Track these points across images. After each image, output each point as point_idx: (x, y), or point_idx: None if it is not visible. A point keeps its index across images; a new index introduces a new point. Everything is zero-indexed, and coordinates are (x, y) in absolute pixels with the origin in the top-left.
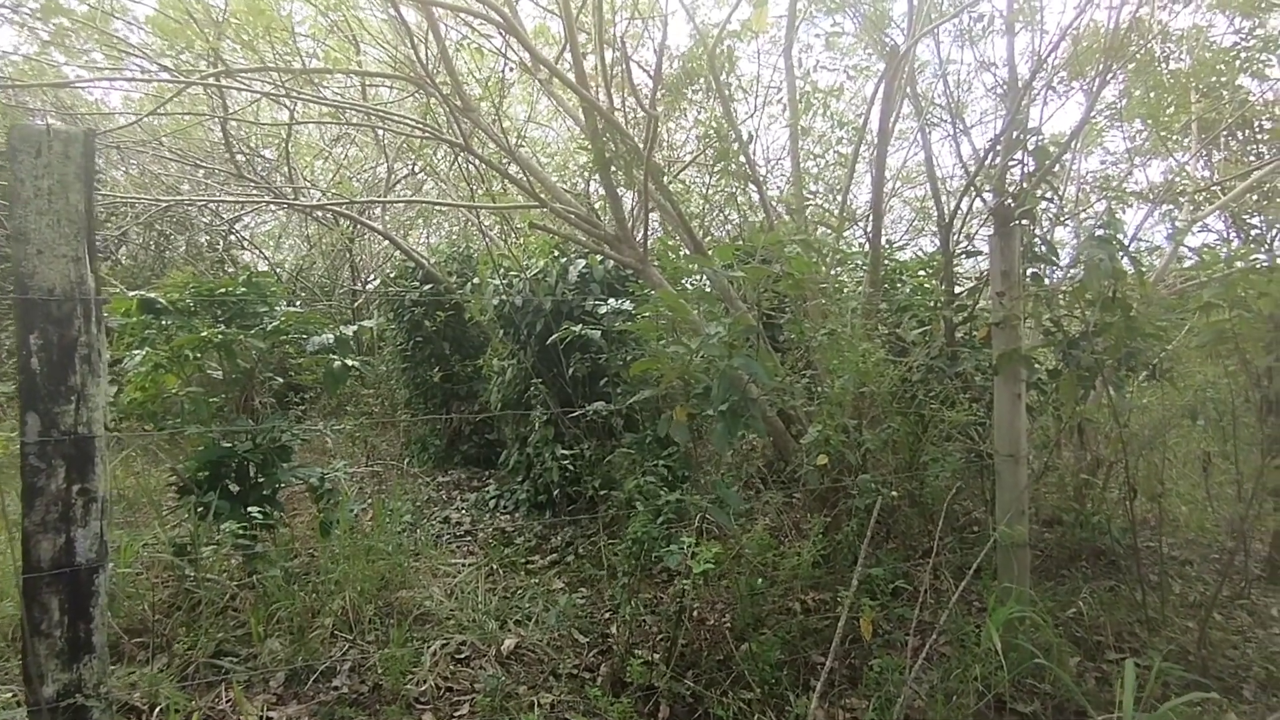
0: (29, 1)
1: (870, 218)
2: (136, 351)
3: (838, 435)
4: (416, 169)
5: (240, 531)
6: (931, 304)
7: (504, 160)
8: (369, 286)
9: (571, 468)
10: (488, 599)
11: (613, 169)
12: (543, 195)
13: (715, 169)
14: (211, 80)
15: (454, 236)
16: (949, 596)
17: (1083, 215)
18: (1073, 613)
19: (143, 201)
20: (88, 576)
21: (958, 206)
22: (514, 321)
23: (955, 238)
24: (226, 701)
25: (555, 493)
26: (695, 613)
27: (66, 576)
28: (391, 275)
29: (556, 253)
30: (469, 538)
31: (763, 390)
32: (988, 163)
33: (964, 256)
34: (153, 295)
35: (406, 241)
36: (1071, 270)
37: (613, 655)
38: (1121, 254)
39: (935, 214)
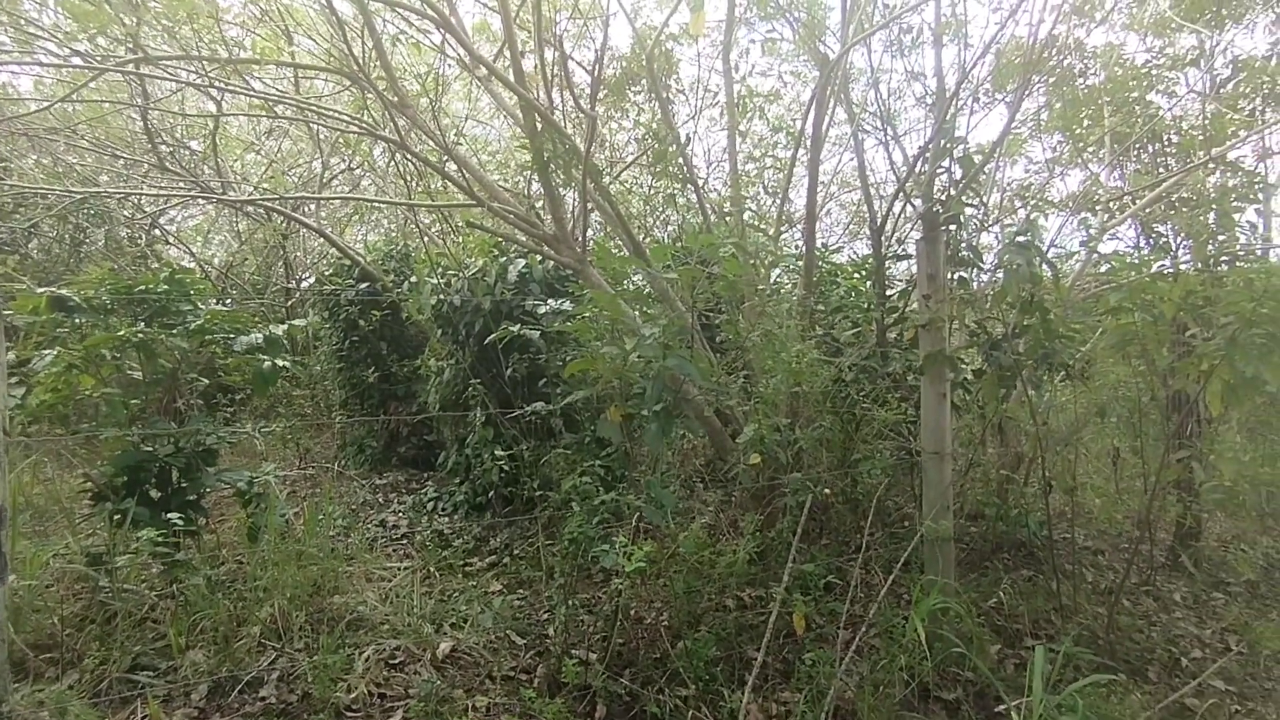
0: None
1: (805, 220)
2: (47, 351)
3: (772, 434)
4: (353, 165)
5: (160, 539)
6: (864, 306)
7: (442, 158)
8: (304, 284)
9: (510, 468)
10: (424, 602)
11: (552, 169)
12: (481, 194)
13: (654, 170)
14: (130, 68)
15: (391, 234)
16: (879, 590)
17: (1006, 222)
18: (994, 603)
19: (55, 193)
20: None
21: (889, 211)
22: (452, 321)
23: (887, 242)
24: (143, 717)
25: (494, 494)
26: (632, 611)
27: None
28: (327, 273)
29: (496, 252)
30: (406, 541)
31: (700, 390)
32: (917, 170)
33: (895, 260)
34: (64, 292)
35: (342, 239)
36: (994, 274)
37: (549, 656)
38: (1040, 260)
39: (868, 218)
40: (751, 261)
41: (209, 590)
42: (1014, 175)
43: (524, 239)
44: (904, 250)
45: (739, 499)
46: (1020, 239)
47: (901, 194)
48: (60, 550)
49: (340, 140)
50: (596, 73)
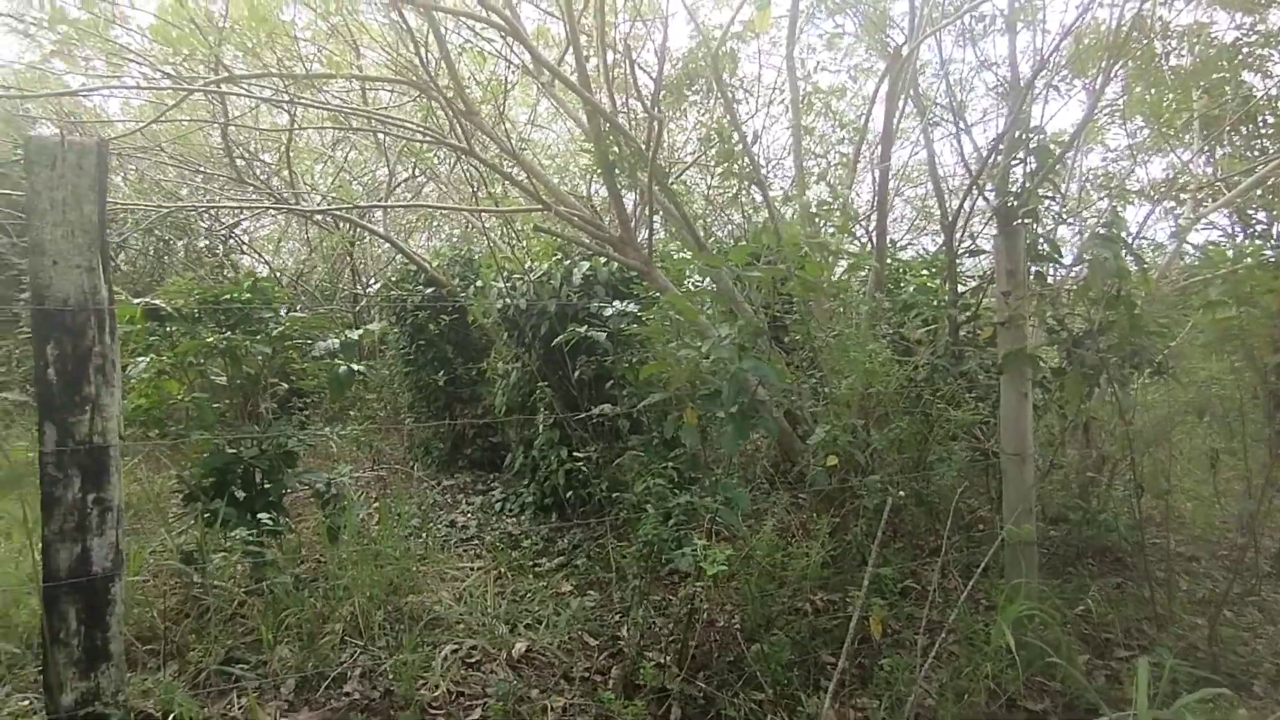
0: (33, 11)
1: (874, 217)
2: (140, 358)
3: (845, 435)
4: (417, 172)
5: (250, 539)
6: (935, 303)
7: (507, 163)
8: (370, 290)
9: (578, 470)
10: (496, 603)
11: (616, 171)
12: (546, 198)
13: (718, 170)
14: (213, 87)
15: (455, 239)
16: (957, 595)
17: (1085, 213)
18: (1081, 610)
19: (143, 207)
20: (104, 586)
21: (961, 206)
22: (518, 324)
23: (959, 237)
24: (239, 709)
25: (562, 495)
26: (706, 614)
27: (83, 586)
28: (393, 279)
29: (560, 255)
30: (476, 541)
31: (771, 392)
32: (990, 162)
33: (967, 256)
34: (157, 302)
35: (408, 245)
36: (1075, 268)
37: (624, 658)
38: (1125, 252)
39: (938, 213)
40: (826, 261)
41: (294, 588)
42: (1091, 164)
43: (589, 241)
44: (975, 245)
45: (810, 501)
46: (1104, 230)
47: (974, 187)
48: (157, 548)
49: (405, 148)
50: (659, 73)
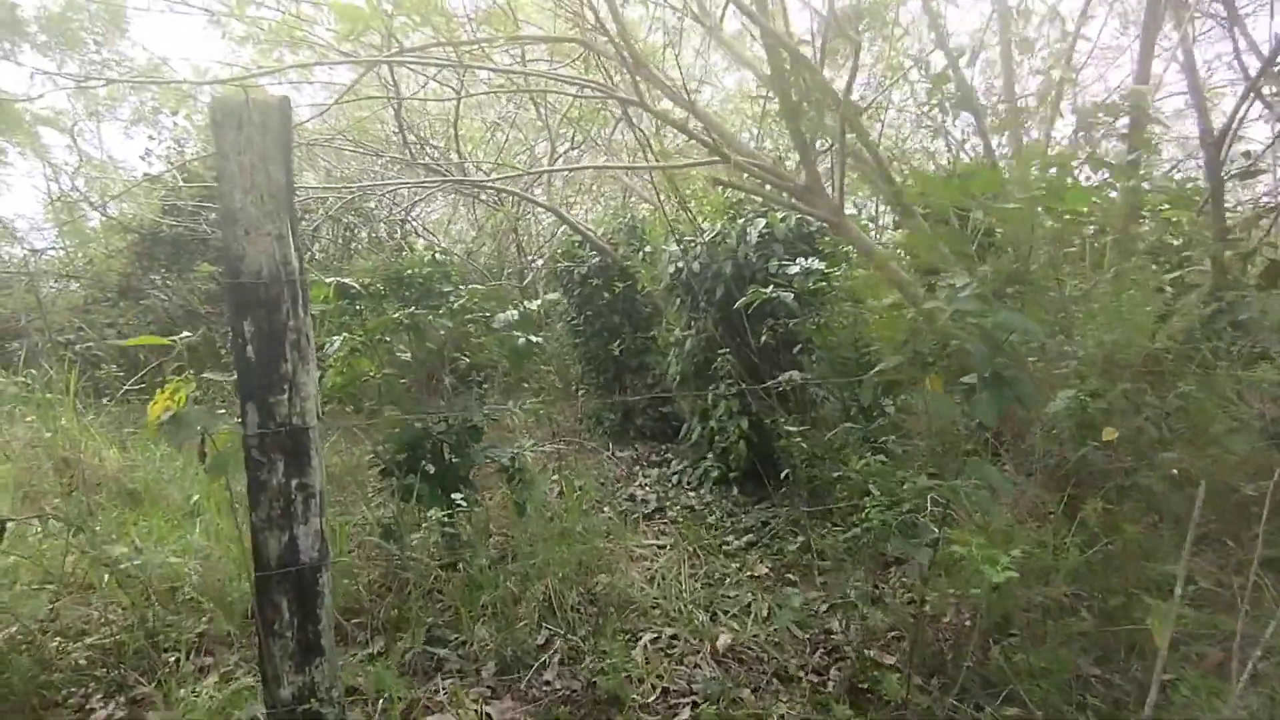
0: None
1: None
2: (335, 338)
3: (1096, 402)
4: (576, 142)
5: (446, 519)
6: (1187, 242)
7: (686, 119)
8: (536, 264)
9: (763, 443)
10: (691, 586)
11: (805, 109)
12: (724, 150)
13: (925, 103)
14: (384, 59)
15: (615, 207)
16: (1273, 605)
17: None
18: None
19: (330, 194)
20: (312, 576)
21: (1235, 116)
22: (691, 289)
23: (1228, 154)
24: (444, 692)
25: (743, 468)
26: (926, 608)
27: (293, 576)
28: (559, 251)
29: (732, 214)
30: (658, 516)
31: (1029, 352)
32: (1277, 57)
33: (1242, 179)
34: (347, 280)
35: (570, 217)
36: None
37: (841, 655)
38: None
39: (1198, 131)
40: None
41: (488, 567)
42: None
43: (770, 193)
44: (1249, 166)
45: (1040, 480)
46: None
47: (1253, 92)
48: (358, 521)
49: (569, 110)
50: None
